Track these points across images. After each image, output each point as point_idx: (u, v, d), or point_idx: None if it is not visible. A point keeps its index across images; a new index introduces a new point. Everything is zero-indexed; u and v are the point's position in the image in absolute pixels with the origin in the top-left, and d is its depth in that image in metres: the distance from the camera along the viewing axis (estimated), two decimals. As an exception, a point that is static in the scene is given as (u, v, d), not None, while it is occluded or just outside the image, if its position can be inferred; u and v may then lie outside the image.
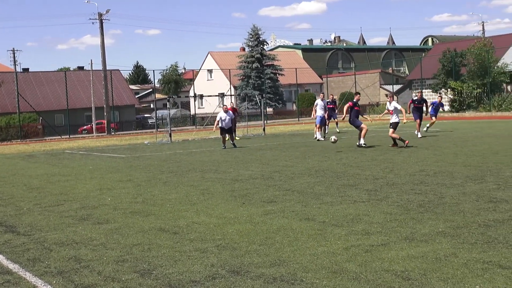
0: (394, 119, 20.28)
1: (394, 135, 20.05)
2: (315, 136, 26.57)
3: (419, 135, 24.32)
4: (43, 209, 10.94)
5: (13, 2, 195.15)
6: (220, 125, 24.41)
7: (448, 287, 5.34)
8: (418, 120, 24.86)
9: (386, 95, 43.72)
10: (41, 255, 7.37)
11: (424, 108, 25.60)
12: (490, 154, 16.24)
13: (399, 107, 20.55)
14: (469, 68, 51.17)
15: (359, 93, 22.92)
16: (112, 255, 7.16)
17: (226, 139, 24.62)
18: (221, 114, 24.50)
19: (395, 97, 25.73)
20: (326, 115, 26.89)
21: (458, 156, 16.16)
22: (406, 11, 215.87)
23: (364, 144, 20.55)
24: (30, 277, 6.39)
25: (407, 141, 19.70)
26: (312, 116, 27.92)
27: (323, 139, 25.80)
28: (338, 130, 30.35)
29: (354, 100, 20.97)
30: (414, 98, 25.82)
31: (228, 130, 24.52)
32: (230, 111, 25.28)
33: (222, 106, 27.16)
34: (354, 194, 10.70)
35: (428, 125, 27.21)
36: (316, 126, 26.47)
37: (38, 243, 8.09)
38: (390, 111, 21.15)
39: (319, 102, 27.03)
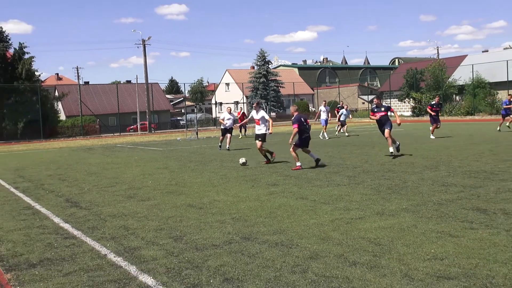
0: (260, 130, 14.60)
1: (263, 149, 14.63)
2: (322, 135, 24.78)
3: (432, 137, 20.69)
4: (100, 189, 10.98)
5: (77, 30, 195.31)
6: (222, 126, 20.59)
7: (410, 251, 5.33)
8: (436, 124, 21.12)
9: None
10: (98, 224, 7.40)
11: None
12: (442, 149, 16.16)
13: (267, 116, 14.87)
14: (427, 83, 51.60)
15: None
16: (152, 225, 7.18)
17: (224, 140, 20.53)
18: (225, 115, 20.66)
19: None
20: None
21: (418, 150, 16.09)
22: (378, 38, 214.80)
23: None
24: (89, 241, 6.42)
25: (274, 153, 14.75)
26: (315, 119, 27.02)
27: (327, 138, 24.25)
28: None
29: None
30: (432, 103, 21.61)
31: (229, 130, 20.44)
32: (233, 113, 22.24)
33: (242, 110, 26.51)
34: (338, 179, 10.68)
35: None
36: (323, 127, 24.93)
37: (95, 215, 8.12)
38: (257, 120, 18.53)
39: (322, 108, 25.56)
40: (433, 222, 6.51)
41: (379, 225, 6.49)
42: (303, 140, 12.83)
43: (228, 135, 20.31)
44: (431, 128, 21.47)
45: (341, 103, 26.48)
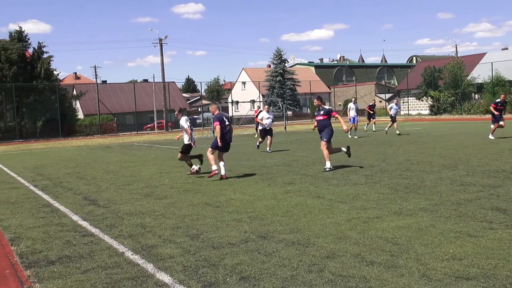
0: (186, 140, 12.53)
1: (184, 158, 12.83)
2: (349, 134, 23.57)
3: (492, 137, 18.98)
4: (117, 187, 11.06)
5: (94, 30, 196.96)
6: (260, 126, 18.78)
7: (428, 251, 5.28)
8: (498, 123, 19.11)
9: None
10: (115, 222, 7.46)
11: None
12: (461, 148, 15.99)
13: (186, 125, 12.39)
14: (445, 81, 51.10)
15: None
16: (169, 223, 7.22)
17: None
18: (263, 114, 18.58)
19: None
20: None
21: (436, 149, 15.95)
22: (395, 36, 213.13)
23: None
24: (107, 239, 6.48)
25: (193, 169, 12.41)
26: (348, 116, 24.33)
27: (356, 136, 23.42)
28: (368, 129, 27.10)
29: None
30: (497, 101, 19.72)
31: (269, 132, 18.24)
32: (271, 112, 19.88)
33: (260, 108, 25.40)
34: (355, 178, 10.63)
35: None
36: (352, 125, 23.70)
37: (113, 213, 8.19)
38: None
39: (351, 105, 24.38)
40: (452, 222, 6.44)
41: (397, 224, 6.45)
42: (223, 144, 11.41)
43: (269, 137, 18.10)
44: (492, 127, 19.52)
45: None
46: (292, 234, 6.24)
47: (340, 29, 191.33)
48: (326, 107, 12.38)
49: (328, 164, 12.15)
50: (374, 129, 27.35)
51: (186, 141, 12.46)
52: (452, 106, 49.36)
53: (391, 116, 24.80)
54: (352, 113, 24.09)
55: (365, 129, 26.42)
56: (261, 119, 18.41)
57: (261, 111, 30.11)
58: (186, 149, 12.50)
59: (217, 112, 11.72)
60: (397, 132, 24.31)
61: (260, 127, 19.09)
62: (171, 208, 8.36)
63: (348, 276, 4.66)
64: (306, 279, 4.65)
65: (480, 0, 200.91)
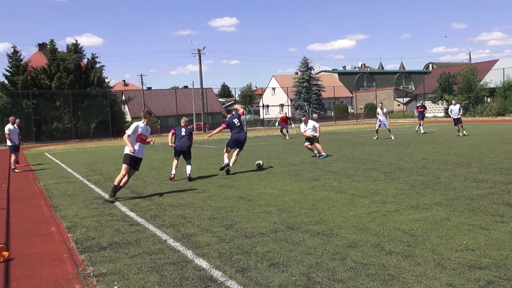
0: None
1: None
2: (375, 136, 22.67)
3: None
4: (161, 182, 11.19)
5: (141, 42, 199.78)
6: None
7: (443, 242, 5.18)
8: None
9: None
10: (159, 213, 7.54)
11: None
12: (474, 147, 15.62)
13: (128, 132, 9.57)
14: (459, 86, 50.19)
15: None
16: (206, 214, 7.26)
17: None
18: (303, 126, 15.26)
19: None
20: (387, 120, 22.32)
21: (451, 149, 15.62)
22: (412, 45, 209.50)
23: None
24: (152, 228, 6.56)
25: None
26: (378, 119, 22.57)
27: (393, 137, 22.07)
28: (422, 131, 24.96)
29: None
30: None
31: (313, 139, 15.06)
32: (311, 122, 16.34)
33: (286, 114, 24.64)
34: (375, 175, 10.50)
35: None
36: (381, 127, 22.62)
37: (157, 205, 8.29)
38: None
39: (378, 110, 22.75)
40: (465, 216, 6.30)
41: (414, 217, 6.34)
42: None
43: (316, 144, 14.92)
44: None
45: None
46: (317, 225, 6.21)
47: (361, 39, 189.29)
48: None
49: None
50: (422, 131, 24.79)
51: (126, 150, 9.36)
52: (466, 109, 48.25)
53: (454, 119, 22.31)
54: (380, 118, 22.61)
55: (416, 130, 24.54)
56: (304, 131, 15.34)
57: (287, 116, 29.40)
58: (124, 159, 9.26)
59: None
60: (464, 133, 21.88)
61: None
62: (208, 201, 8.41)
63: (368, 264, 4.60)
64: (329, 266, 4.61)
65: (492, 11, 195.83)
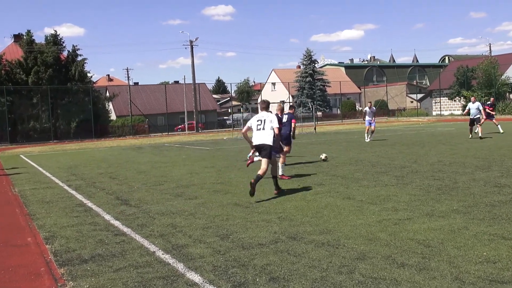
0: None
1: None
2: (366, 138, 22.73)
3: None
4: (148, 188, 11.18)
5: (126, 32, 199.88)
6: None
7: (461, 253, 5.18)
8: None
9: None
10: (147, 222, 7.53)
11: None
12: (495, 149, 15.64)
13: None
14: (478, 81, 50.23)
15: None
16: (199, 223, 7.25)
17: None
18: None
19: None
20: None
21: (470, 150, 15.64)
22: (427, 35, 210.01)
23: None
24: (139, 238, 6.54)
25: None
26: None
27: (368, 140, 22.28)
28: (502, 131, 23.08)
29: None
30: None
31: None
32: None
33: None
34: (385, 179, 10.50)
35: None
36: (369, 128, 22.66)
37: (144, 213, 8.27)
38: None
39: (367, 109, 22.70)
40: (485, 224, 6.30)
41: (429, 226, 6.34)
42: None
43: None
44: None
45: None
46: (322, 235, 6.20)
47: (371, 29, 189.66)
48: (288, 112, 12.57)
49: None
50: (501, 131, 22.86)
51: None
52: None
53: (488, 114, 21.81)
54: (368, 118, 22.66)
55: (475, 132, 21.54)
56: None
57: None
58: None
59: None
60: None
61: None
62: (201, 208, 8.40)
63: (378, 278, 4.60)
64: (336, 280, 4.61)
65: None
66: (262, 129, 9.31)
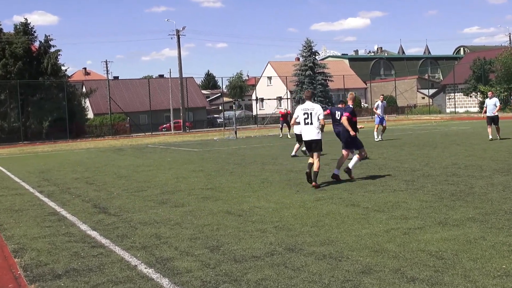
0: None
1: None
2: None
3: None
4: (130, 194, 11.16)
5: (105, 20, 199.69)
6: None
7: (477, 266, 5.20)
8: None
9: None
10: (128, 232, 7.52)
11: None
12: (515, 150, 15.71)
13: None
14: (497, 74, 50.34)
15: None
16: (186, 233, 7.25)
17: None
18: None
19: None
20: None
21: (487, 151, 15.71)
22: (440, 24, 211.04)
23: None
24: (118, 251, 6.53)
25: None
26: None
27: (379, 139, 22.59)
28: None
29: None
30: None
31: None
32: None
33: (286, 110, 24.94)
34: (394, 184, 10.53)
35: None
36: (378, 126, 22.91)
37: (125, 222, 8.26)
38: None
39: (379, 103, 22.83)
40: (505, 234, 6.33)
41: (442, 236, 6.36)
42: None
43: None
44: None
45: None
46: (323, 246, 6.21)
47: (378, 16, 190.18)
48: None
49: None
50: None
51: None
52: (505, 102, 48.52)
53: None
54: (380, 112, 22.69)
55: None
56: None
57: (287, 113, 29.97)
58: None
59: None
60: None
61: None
62: (189, 217, 8.39)
63: (386, 294, 4.60)
64: (338, 297, 4.61)
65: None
66: (310, 123, 10.60)
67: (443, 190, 9.52)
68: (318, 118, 10.57)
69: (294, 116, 10.94)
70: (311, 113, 10.59)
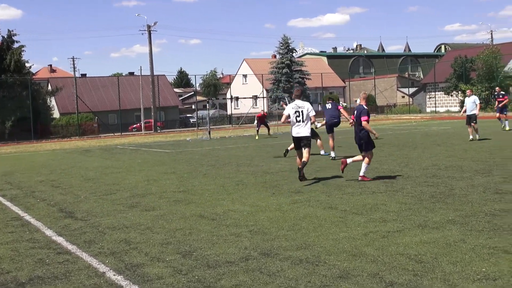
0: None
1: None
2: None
3: None
4: (98, 197, 11.08)
5: (72, 15, 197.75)
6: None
7: (457, 269, 5.27)
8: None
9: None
10: (95, 238, 7.47)
11: None
12: (496, 150, 15.97)
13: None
14: (478, 73, 51.03)
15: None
16: (157, 238, 7.22)
17: None
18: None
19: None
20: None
21: (468, 152, 15.93)
22: (420, 21, 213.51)
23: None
24: (86, 257, 6.48)
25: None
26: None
27: None
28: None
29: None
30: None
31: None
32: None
33: (263, 112, 24.76)
34: (373, 185, 10.62)
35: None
36: None
37: (93, 227, 8.20)
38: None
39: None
40: (485, 236, 6.43)
41: (421, 239, 6.44)
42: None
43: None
44: None
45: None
46: (299, 250, 6.24)
47: (357, 13, 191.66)
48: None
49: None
50: (507, 127, 24.43)
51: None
52: (487, 102, 49.25)
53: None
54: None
55: (503, 128, 23.62)
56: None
57: (264, 115, 30.13)
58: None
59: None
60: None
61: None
62: (160, 221, 8.36)
63: (364, 299, 4.65)
64: (315, 302, 4.64)
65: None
66: (302, 121, 11.39)
67: (422, 191, 9.64)
68: (308, 115, 11.41)
69: (285, 114, 11.57)
70: (302, 111, 11.37)
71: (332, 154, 15.82)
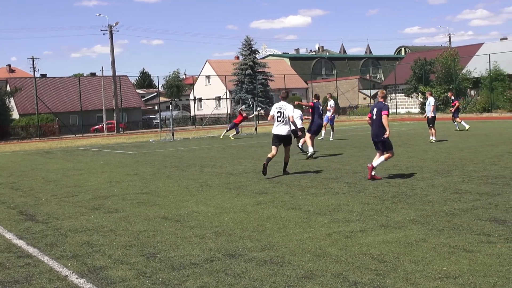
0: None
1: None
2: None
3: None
4: (59, 200, 10.91)
5: (31, 14, 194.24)
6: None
7: (419, 268, 5.36)
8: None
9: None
10: (57, 241, 7.35)
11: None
12: (455, 151, 16.29)
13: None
14: (437, 75, 52.05)
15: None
16: (121, 241, 7.16)
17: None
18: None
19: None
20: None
21: (428, 153, 16.21)
22: (381, 24, 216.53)
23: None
24: (47, 260, 6.38)
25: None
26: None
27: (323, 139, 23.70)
28: None
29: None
30: None
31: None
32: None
33: (242, 110, 25.34)
34: (336, 186, 10.72)
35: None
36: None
37: (54, 230, 8.07)
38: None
39: (332, 103, 24.23)
40: (445, 235, 6.55)
41: (383, 239, 6.52)
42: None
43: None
44: None
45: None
46: (264, 251, 6.26)
47: (319, 15, 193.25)
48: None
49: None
50: (467, 127, 25.59)
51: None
52: (446, 103, 50.24)
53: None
54: (329, 113, 23.98)
55: (457, 128, 24.82)
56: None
57: (248, 115, 30.33)
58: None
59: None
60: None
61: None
62: (123, 223, 8.28)
63: (328, 299, 4.68)
64: (280, 303, 4.66)
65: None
66: (282, 121, 12.40)
67: (384, 192, 9.77)
68: (288, 116, 12.35)
69: (271, 113, 12.65)
70: (283, 112, 12.40)
71: (310, 149, 16.39)
